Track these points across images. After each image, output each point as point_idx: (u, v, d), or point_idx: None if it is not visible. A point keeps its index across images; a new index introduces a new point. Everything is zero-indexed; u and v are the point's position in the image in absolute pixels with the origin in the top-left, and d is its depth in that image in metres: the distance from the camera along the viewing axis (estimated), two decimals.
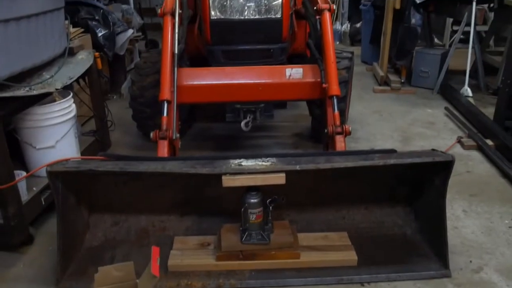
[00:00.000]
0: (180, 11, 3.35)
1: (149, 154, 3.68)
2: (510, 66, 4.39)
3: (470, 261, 2.76)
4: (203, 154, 4.09)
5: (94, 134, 4.12)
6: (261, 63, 3.64)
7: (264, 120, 3.72)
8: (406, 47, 6.17)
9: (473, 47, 5.75)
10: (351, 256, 2.65)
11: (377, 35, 6.97)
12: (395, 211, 2.96)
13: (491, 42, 7.29)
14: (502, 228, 3.09)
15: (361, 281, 2.56)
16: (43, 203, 3.07)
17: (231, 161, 2.50)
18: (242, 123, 3.61)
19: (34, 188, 3.04)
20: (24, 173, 2.93)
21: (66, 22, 3.66)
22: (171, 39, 3.24)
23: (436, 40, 7.63)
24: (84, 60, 3.67)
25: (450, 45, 6.86)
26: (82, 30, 4.70)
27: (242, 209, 2.61)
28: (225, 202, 2.84)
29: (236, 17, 3.48)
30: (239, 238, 2.68)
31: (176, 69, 3.17)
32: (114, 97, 5.98)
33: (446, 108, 5.39)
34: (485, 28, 6.75)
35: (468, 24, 5.68)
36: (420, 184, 2.80)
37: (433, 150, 2.69)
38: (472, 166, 3.99)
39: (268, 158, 2.52)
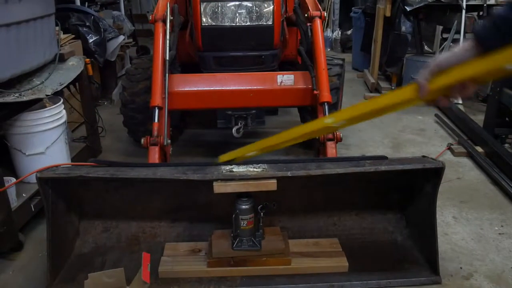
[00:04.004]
0: (172, 18, 3.35)
1: (140, 160, 3.68)
2: None
3: (461, 268, 2.77)
4: (194, 160, 4.08)
5: (85, 140, 4.11)
6: (252, 69, 3.64)
7: (255, 127, 3.71)
8: (396, 54, 6.21)
9: None
10: (342, 263, 2.65)
11: (368, 42, 7.01)
12: (386, 217, 2.96)
13: None
14: (492, 235, 3.11)
15: (351, 287, 2.56)
16: (33, 209, 3.06)
17: (223, 167, 2.50)
18: (234, 130, 3.61)
19: (23, 195, 3.02)
20: (13, 180, 2.91)
21: (57, 28, 3.65)
22: (162, 45, 3.24)
23: (426, 48, 7.68)
24: (74, 66, 3.67)
25: (440, 53, 6.90)
26: (73, 36, 4.69)
27: (233, 216, 2.60)
28: (216, 208, 2.84)
29: (228, 23, 3.49)
30: (230, 245, 2.67)
31: (167, 75, 3.17)
32: (105, 103, 5.96)
33: (436, 115, 5.42)
34: None
35: (458, 32, 5.73)
36: (411, 191, 2.82)
37: (423, 156, 2.69)
38: (462, 173, 4.02)
39: (259, 164, 2.52)
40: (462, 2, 5.46)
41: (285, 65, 4.36)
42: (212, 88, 3.47)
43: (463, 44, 1.48)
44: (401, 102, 1.59)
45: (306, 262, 2.67)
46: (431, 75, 1.46)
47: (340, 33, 9.69)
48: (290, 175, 2.42)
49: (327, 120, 1.81)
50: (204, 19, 3.46)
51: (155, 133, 2.96)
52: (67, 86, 3.60)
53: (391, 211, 2.96)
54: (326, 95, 3.22)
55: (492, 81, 4.61)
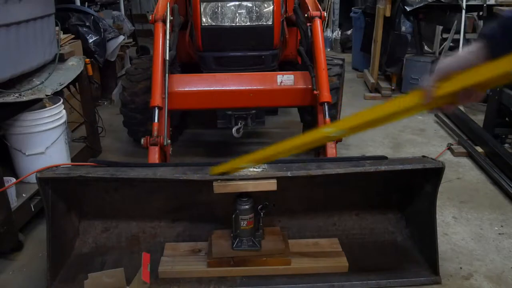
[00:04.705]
0: (172, 18, 3.35)
1: (140, 160, 3.68)
2: None
3: (460, 268, 2.77)
4: (194, 160, 4.08)
5: (85, 140, 4.11)
6: (252, 69, 3.64)
7: (255, 127, 3.71)
8: (396, 55, 6.22)
9: None
10: (342, 263, 2.65)
11: (367, 42, 7.01)
12: (386, 217, 2.96)
13: None
14: (491, 235, 3.11)
15: (351, 287, 2.56)
16: (33, 209, 3.06)
17: None
18: (234, 130, 3.61)
19: (23, 195, 3.02)
20: (13, 180, 2.91)
21: (57, 28, 3.65)
22: (162, 45, 3.24)
23: (426, 48, 7.68)
24: (74, 66, 3.67)
25: (440, 53, 6.90)
26: (73, 36, 4.70)
27: (233, 216, 2.60)
28: (216, 208, 2.84)
29: (227, 24, 3.49)
30: (230, 245, 2.67)
31: (167, 75, 3.17)
32: (105, 103, 5.97)
33: (436, 115, 5.42)
34: (475, 36, 6.80)
35: (458, 32, 5.73)
36: (411, 191, 2.82)
37: (423, 157, 2.70)
38: (462, 173, 4.02)
39: (259, 165, 2.52)
40: (462, 2, 5.47)
41: (285, 65, 4.36)
42: (212, 88, 3.47)
43: (469, 48, 1.42)
44: (405, 109, 1.54)
45: (306, 262, 2.67)
46: (436, 81, 1.41)
47: (340, 33, 9.69)
48: (290, 175, 2.42)
49: (327, 129, 1.76)
50: (204, 19, 3.46)
51: (155, 133, 2.96)
52: (67, 86, 3.61)
53: (391, 211, 2.96)
54: (326, 95, 3.23)
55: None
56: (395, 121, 1.67)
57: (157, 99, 3.07)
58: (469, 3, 5.54)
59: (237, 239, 2.66)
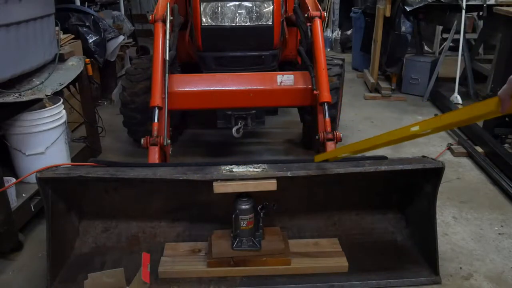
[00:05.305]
0: (171, 18, 3.35)
1: (140, 160, 3.68)
2: (499, 73, 4.42)
3: (460, 268, 2.77)
4: (194, 161, 4.08)
5: (85, 141, 4.11)
6: (252, 69, 3.64)
7: (255, 127, 3.71)
8: (396, 55, 6.22)
9: (462, 55, 5.80)
10: (342, 263, 2.65)
11: (367, 42, 7.01)
12: (386, 217, 2.96)
13: (480, 50, 7.35)
14: (491, 235, 3.11)
15: (351, 287, 2.56)
16: (33, 209, 3.06)
17: (222, 167, 2.50)
18: (234, 130, 3.61)
19: (23, 195, 3.02)
20: (13, 180, 2.91)
21: (57, 28, 3.65)
22: (162, 45, 3.24)
23: (426, 48, 7.69)
24: (74, 66, 3.67)
25: (440, 53, 6.91)
26: (73, 36, 4.70)
27: (233, 216, 2.60)
28: (216, 208, 2.84)
29: (227, 24, 3.49)
30: (230, 245, 2.67)
31: (167, 75, 3.17)
32: (105, 103, 5.97)
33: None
34: (475, 36, 6.81)
35: (458, 32, 5.73)
36: (411, 191, 2.81)
37: (423, 157, 2.70)
38: (462, 173, 4.01)
39: (259, 165, 2.52)
40: (462, 2, 5.46)
41: (285, 65, 4.35)
42: (212, 88, 3.47)
43: None
44: (481, 115, 1.62)
45: (306, 262, 2.67)
46: None
47: (340, 33, 9.69)
48: (290, 175, 2.42)
49: (414, 128, 1.94)
50: (204, 19, 3.46)
51: (155, 133, 2.96)
52: (67, 86, 3.60)
53: (391, 211, 2.96)
54: (326, 95, 3.22)
55: (493, 81, 4.61)
56: (468, 123, 1.75)
57: (157, 99, 3.06)
58: (469, 3, 5.53)
59: (237, 239, 2.66)
